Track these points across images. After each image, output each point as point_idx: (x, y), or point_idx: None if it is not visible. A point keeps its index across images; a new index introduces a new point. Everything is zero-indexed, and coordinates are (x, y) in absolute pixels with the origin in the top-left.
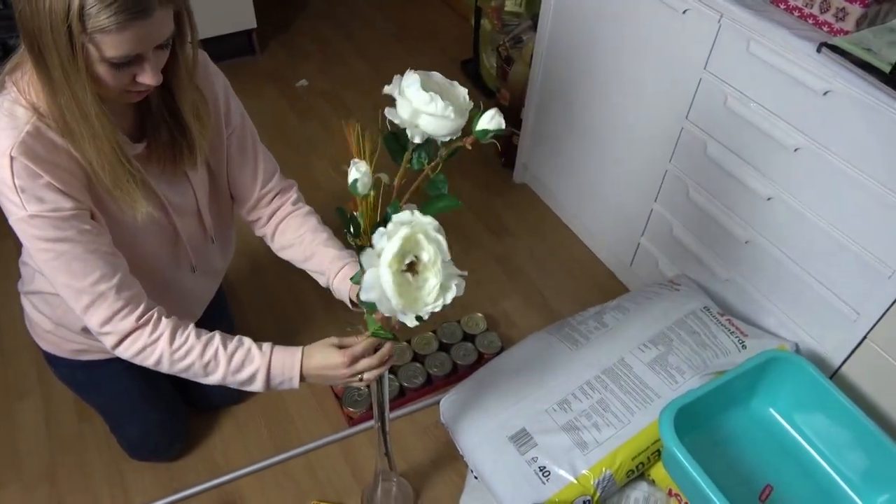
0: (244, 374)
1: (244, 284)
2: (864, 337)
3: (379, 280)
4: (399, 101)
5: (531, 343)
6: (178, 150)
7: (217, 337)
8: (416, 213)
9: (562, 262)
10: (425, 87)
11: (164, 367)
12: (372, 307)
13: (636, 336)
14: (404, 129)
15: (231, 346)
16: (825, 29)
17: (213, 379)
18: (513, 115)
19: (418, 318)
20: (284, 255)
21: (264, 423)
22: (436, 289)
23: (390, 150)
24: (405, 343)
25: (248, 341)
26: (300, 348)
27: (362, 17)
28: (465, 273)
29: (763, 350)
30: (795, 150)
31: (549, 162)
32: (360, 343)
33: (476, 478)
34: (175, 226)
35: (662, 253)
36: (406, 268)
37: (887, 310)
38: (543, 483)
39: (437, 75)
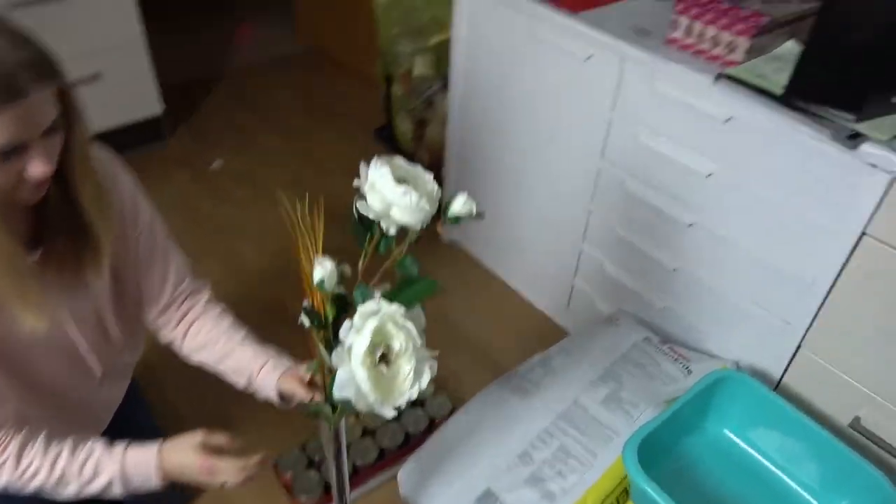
0: (99, 483)
1: (167, 367)
2: (799, 346)
3: (353, 378)
4: (370, 195)
5: (481, 400)
6: (79, 254)
7: (66, 448)
8: (382, 300)
9: (500, 314)
10: (397, 178)
11: (17, 490)
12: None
13: (585, 376)
14: (368, 222)
15: (81, 455)
16: (718, 62)
17: (69, 493)
18: (433, 176)
19: (396, 408)
20: (196, 357)
21: None
22: (410, 376)
23: (357, 236)
24: (354, 417)
25: (98, 447)
26: (156, 447)
27: (270, 96)
28: (437, 352)
29: (707, 373)
30: (708, 175)
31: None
32: (223, 441)
33: None
34: (74, 339)
35: (597, 291)
36: (378, 360)
37: (815, 317)
38: None
39: (399, 160)
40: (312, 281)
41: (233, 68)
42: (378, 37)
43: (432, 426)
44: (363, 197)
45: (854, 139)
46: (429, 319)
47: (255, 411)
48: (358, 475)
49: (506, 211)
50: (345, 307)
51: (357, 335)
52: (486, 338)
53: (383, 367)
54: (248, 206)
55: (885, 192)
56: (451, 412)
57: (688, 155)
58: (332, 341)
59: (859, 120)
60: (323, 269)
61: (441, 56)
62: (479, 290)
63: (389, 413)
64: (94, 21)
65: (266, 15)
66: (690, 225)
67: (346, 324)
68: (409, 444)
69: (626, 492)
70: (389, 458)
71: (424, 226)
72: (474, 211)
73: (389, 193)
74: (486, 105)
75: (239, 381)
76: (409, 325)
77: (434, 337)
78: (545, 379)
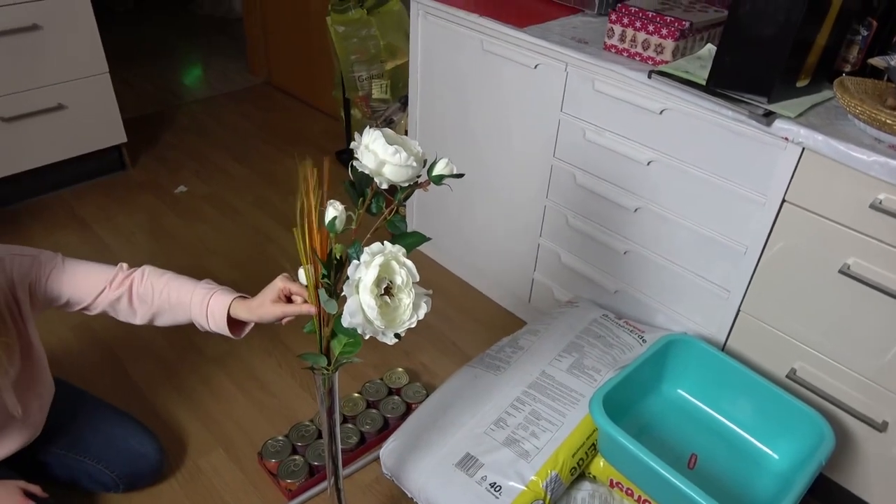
0: None
1: (142, 359)
2: (738, 310)
3: (361, 305)
4: (364, 154)
5: (456, 379)
6: None
7: None
8: (387, 243)
9: (465, 312)
10: (389, 141)
11: None
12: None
13: (551, 350)
14: (361, 180)
15: None
16: (650, 62)
17: None
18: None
19: (396, 335)
20: (145, 309)
21: None
22: (410, 307)
23: (351, 197)
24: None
25: None
26: None
27: (231, 126)
28: (431, 292)
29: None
30: (648, 163)
31: (436, 223)
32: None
33: None
34: None
35: (555, 282)
36: (382, 292)
37: (749, 281)
38: (497, 497)
39: (388, 131)
40: (318, 228)
41: (191, 101)
42: (334, 65)
43: (409, 411)
44: (357, 159)
45: (768, 117)
46: None
47: (230, 407)
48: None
49: (467, 215)
50: (339, 268)
51: (365, 269)
52: (454, 334)
53: (387, 299)
54: (216, 224)
55: (798, 162)
56: (426, 398)
57: (629, 146)
58: (332, 287)
59: (770, 102)
60: (335, 210)
61: (396, 80)
62: (445, 292)
63: (391, 340)
64: (63, 54)
65: (221, 50)
66: (636, 210)
67: (354, 263)
68: (388, 427)
69: (593, 446)
70: (370, 442)
71: (413, 182)
72: (455, 170)
73: (382, 153)
74: (443, 119)
75: (193, 309)
76: (410, 263)
77: (404, 337)
78: (514, 356)
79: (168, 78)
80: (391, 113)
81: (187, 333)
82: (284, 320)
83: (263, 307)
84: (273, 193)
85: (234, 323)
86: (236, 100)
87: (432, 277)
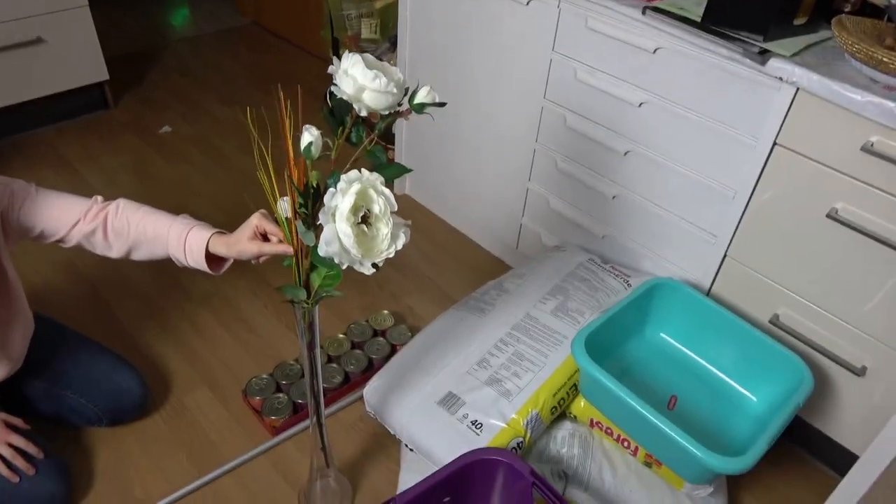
0: None
1: (127, 298)
2: (725, 255)
3: (337, 233)
4: (342, 79)
5: (441, 321)
6: None
7: None
8: (364, 170)
9: (452, 256)
10: (369, 66)
11: None
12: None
13: (535, 293)
14: (341, 107)
15: None
16: (644, 1)
17: None
18: (381, 134)
19: (374, 265)
20: (121, 243)
21: (182, 450)
22: (388, 237)
23: (330, 125)
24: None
25: None
26: None
27: (217, 67)
28: (409, 222)
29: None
30: (640, 104)
31: (425, 168)
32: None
33: (412, 450)
34: None
35: (543, 227)
36: (360, 221)
37: (737, 226)
38: (478, 435)
39: (369, 56)
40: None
41: (177, 40)
42: (323, 4)
43: (393, 352)
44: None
45: (763, 55)
46: (385, 265)
47: (215, 345)
48: (325, 397)
49: (455, 160)
50: (316, 198)
51: (342, 196)
52: (441, 279)
53: (364, 228)
54: (200, 166)
55: (791, 103)
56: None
57: (622, 87)
58: (309, 218)
59: (766, 40)
60: (310, 135)
61: (386, 19)
62: (432, 237)
63: (368, 270)
64: None
65: None
66: (626, 153)
67: (331, 191)
68: (373, 368)
69: (574, 387)
70: (354, 381)
71: (394, 111)
72: (437, 98)
73: (361, 78)
74: (433, 59)
75: (171, 243)
76: (388, 192)
77: (391, 278)
78: (499, 299)
79: (154, 16)
80: (380, 53)
81: (172, 273)
82: (261, 259)
83: (240, 243)
84: (260, 137)
85: (213, 259)
86: (223, 40)
87: (421, 221)
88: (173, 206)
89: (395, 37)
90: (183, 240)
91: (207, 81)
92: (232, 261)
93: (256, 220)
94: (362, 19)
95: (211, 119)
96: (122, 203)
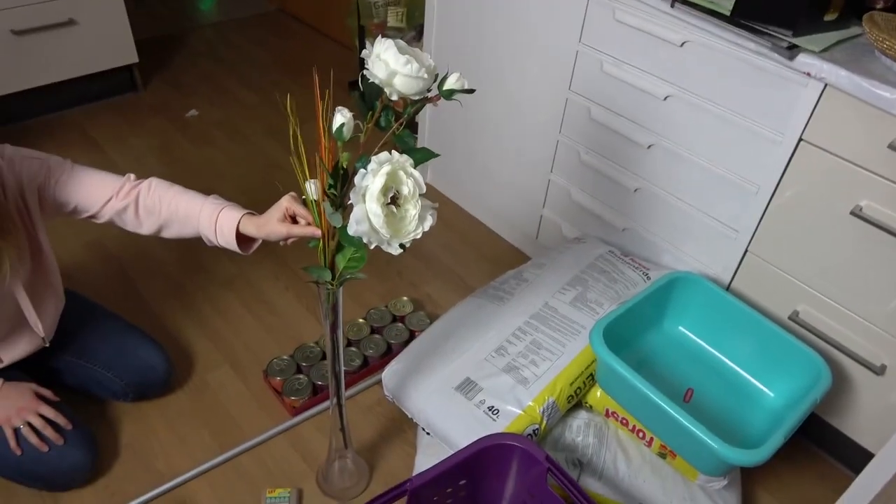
0: None
1: (153, 278)
2: (746, 251)
3: (367, 213)
4: (374, 64)
5: (460, 308)
6: None
7: None
8: (394, 152)
9: (472, 246)
10: (401, 52)
11: None
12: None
13: (555, 283)
14: (371, 92)
15: None
16: None
17: None
18: (409, 119)
19: (401, 245)
20: (152, 221)
21: (205, 426)
22: (415, 218)
23: (361, 110)
24: None
25: None
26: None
27: (244, 53)
28: (437, 205)
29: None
30: (665, 98)
31: (447, 157)
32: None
33: (428, 434)
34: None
35: (564, 219)
36: (389, 201)
37: (759, 222)
38: (494, 420)
39: (401, 42)
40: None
41: (204, 25)
42: None
43: (412, 338)
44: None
45: (791, 50)
46: (405, 252)
47: (238, 326)
48: (344, 381)
49: (479, 150)
50: (345, 179)
51: (373, 177)
52: (460, 267)
53: (393, 208)
54: (226, 150)
55: (819, 99)
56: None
57: (647, 80)
58: (338, 199)
59: (795, 35)
60: (342, 117)
61: (413, 8)
62: (453, 226)
63: (396, 250)
64: None
65: None
66: (650, 146)
67: (361, 172)
68: (391, 352)
69: (591, 377)
70: (373, 365)
71: (423, 97)
72: (466, 85)
73: (393, 62)
74: (459, 48)
75: (202, 223)
76: (417, 174)
77: (412, 266)
78: (518, 288)
79: (182, 1)
80: (406, 42)
81: (198, 254)
82: (289, 241)
83: (269, 224)
84: (285, 122)
85: (242, 239)
86: (250, 26)
87: (441, 210)
88: (199, 188)
89: (421, 26)
90: (214, 220)
91: (234, 66)
92: (260, 241)
93: (287, 203)
94: (389, 7)
95: (237, 103)
96: (154, 182)
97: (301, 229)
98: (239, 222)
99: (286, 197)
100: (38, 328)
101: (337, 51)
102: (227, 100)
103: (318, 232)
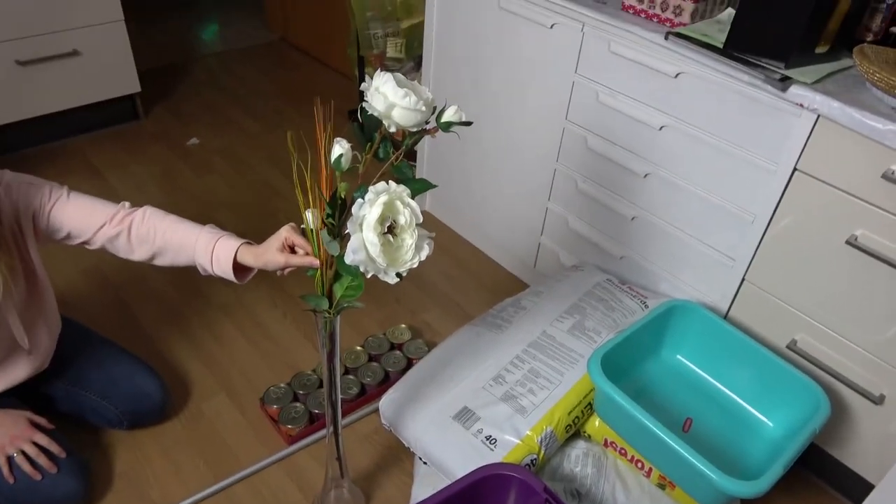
0: None
1: (149, 303)
2: (743, 279)
3: (364, 243)
4: (373, 96)
5: (458, 336)
6: None
7: None
8: (391, 182)
9: (471, 273)
10: (399, 85)
11: None
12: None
13: (553, 311)
14: (370, 124)
15: None
16: (667, 24)
17: None
18: (408, 150)
19: (398, 275)
20: (145, 248)
21: (199, 455)
22: (412, 248)
23: (359, 141)
24: None
25: None
26: None
27: (246, 82)
28: (433, 234)
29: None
30: (661, 128)
31: (445, 186)
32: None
33: (426, 463)
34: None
35: (561, 247)
36: (386, 231)
37: (756, 251)
38: (492, 450)
39: (399, 75)
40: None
41: (206, 55)
42: (350, 23)
43: (409, 366)
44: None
45: (784, 82)
46: (403, 280)
47: (234, 353)
48: (341, 409)
49: (477, 179)
50: (343, 209)
51: (370, 207)
52: (459, 295)
53: (390, 238)
54: (227, 178)
55: (812, 130)
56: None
57: (643, 110)
58: (336, 228)
59: (788, 67)
60: (341, 147)
61: (412, 39)
62: (452, 254)
63: (392, 279)
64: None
65: (239, 4)
66: (646, 175)
67: (359, 201)
68: (389, 381)
69: (589, 406)
70: (370, 393)
71: (421, 129)
72: (463, 117)
73: (392, 95)
74: (457, 79)
75: (197, 251)
76: (414, 204)
77: (410, 294)
78: (516, 316)
79: (185, 31)
80: (405, 72)
81: (195, 280)
82: (286, 271)
83: (268, 254)
84: (286, 150)
85: (238, 268)
86: (252, 55)
87: (439, 238)
88: (199, 216)
89: (420, 56)
90: (211, 249)
91: (235, 95)
92: (256, 271)
93: (286, 233)
94: (388, 38)
95: (238, 132)
96: (148, 210)
97: (299, 259)
98: (237, 252)
99: (286, 227)
100: (24, 342)
101: (337, 80)
102: (228, 128)
103: (317, 262)
